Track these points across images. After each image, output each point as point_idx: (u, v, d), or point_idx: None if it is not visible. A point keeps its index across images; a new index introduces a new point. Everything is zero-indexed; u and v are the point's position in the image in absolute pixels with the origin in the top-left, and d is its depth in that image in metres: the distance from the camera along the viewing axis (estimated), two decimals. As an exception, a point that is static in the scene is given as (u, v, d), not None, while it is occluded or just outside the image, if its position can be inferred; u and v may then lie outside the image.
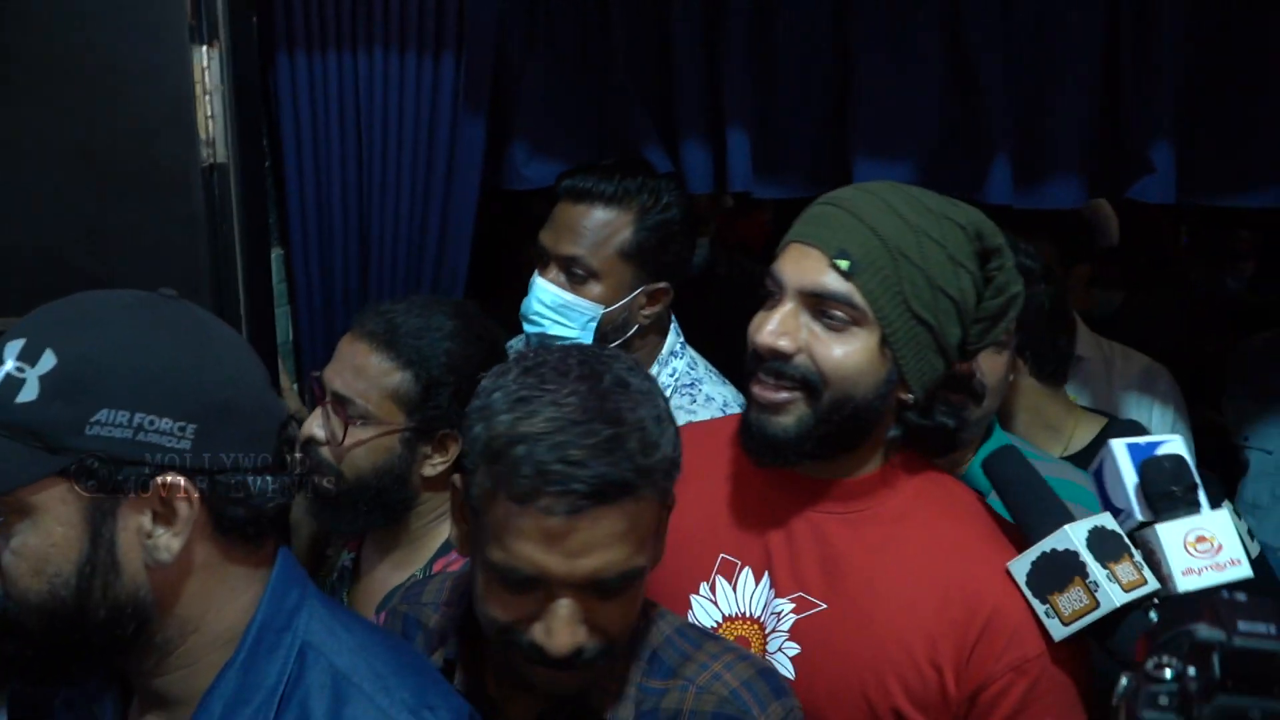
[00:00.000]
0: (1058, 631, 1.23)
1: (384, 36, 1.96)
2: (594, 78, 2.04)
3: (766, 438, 1.31)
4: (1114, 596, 1.19)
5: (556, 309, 1.92)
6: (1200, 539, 1.19)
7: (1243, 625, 0.88)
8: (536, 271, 1.97)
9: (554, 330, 1.92)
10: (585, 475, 1.02)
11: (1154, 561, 1.24)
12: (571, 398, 1.05)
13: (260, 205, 2.01)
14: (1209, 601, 0.91)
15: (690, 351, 2.08)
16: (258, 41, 1.98)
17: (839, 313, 1.27)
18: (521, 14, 2.02)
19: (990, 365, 1.70)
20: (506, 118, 2.08)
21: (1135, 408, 2.29)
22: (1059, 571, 1.22)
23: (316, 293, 2.13)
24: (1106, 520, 1.26)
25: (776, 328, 1.29)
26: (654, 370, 2.00)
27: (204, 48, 1.81)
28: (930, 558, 1.31)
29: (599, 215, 1.92)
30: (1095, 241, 2.80)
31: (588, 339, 1.94)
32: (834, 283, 1.27)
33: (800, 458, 1.33)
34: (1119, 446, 1.28)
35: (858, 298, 1.26)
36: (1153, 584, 1.22)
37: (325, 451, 1.59)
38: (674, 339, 2.05)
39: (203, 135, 1.82)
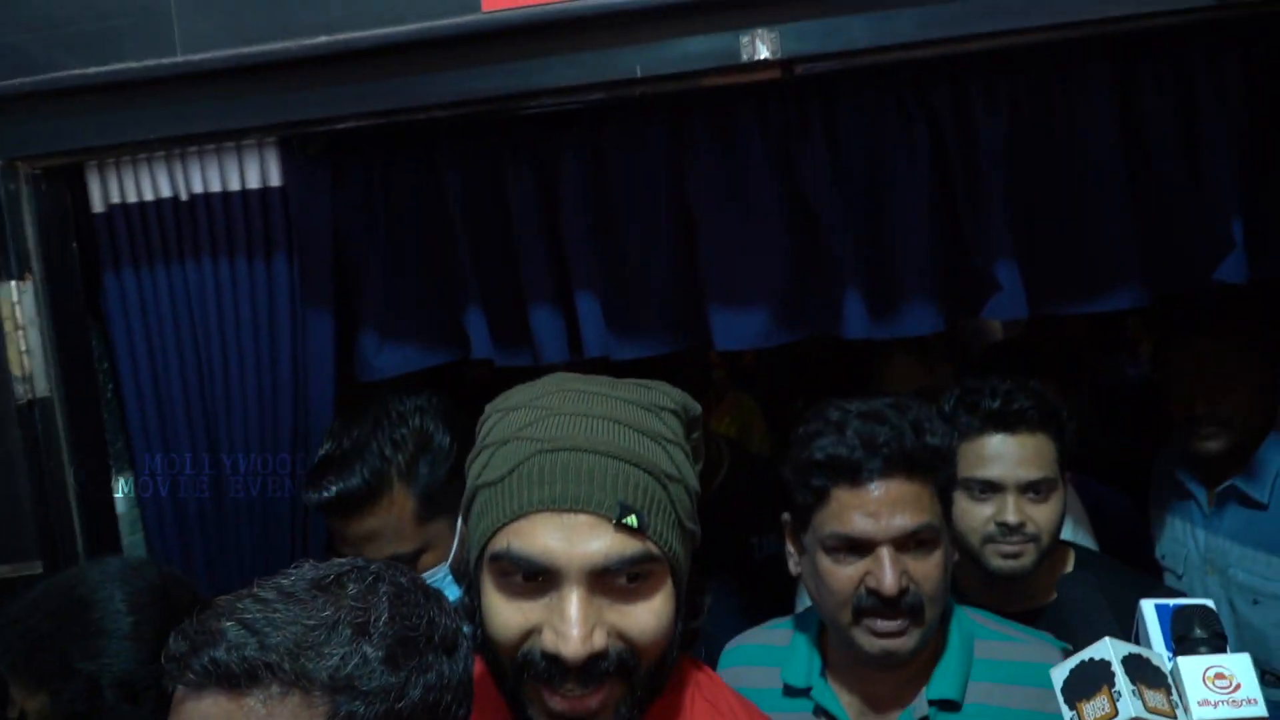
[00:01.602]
0: None
1: (211, 246, 1.91)
2: (435, 263, 2.01)
3: None
4: (1133, 708, 1.19)
5: None
6: (1219, 675, 1.22)
7: None
8: None
9: None
10: (207, 653, 0.94)
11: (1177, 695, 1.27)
12: (294, 586, 0.99)
13: (96, 435, 1.92)
14: None
15: None
16: (82, 268, 1.93)
17: (638, 573, 1.07)
18: (356, 208, 1.99)
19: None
20: (353, 310, 2.03)
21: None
22: (1090, 680, 1.24)
23: (168, 517, 2.01)
24: (1153, 655, 1.27)
25: (582, 630, 1.03)
26: None
27: (13, 283, 1.75)
28: None
29: (377, 513, 1.71)
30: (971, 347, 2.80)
31: (455, 591, 1.73)
32: (627, 546, 1.05)
33: None
34: (1147, 606, 1.32)
35: (654, 549, 1.08)
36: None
37: None
38: None
39: (17, 372, 1.74)
